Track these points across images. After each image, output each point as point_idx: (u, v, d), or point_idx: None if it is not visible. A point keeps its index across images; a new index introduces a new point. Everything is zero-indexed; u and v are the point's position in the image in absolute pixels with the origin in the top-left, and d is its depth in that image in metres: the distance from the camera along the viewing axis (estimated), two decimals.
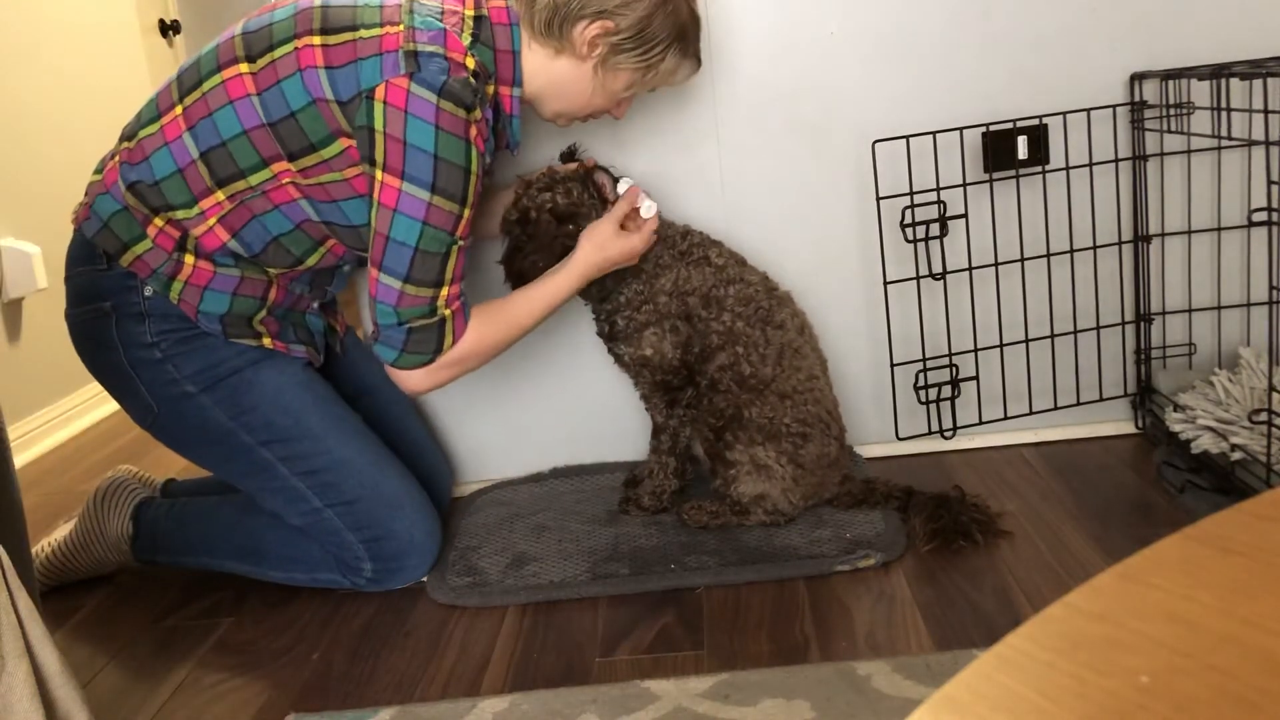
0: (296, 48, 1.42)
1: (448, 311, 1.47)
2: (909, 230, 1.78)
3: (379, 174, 1.41)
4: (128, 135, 1.53)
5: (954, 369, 1.87)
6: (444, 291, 1.46)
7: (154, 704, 1.41)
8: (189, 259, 1.52)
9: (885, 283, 1.84)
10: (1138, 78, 1.77)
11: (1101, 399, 1.90)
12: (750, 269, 1.72)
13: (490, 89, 1.49)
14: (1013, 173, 1.80)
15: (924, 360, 1.85)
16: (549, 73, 1.53)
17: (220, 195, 1.48)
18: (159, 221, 1.51)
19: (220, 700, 1.40)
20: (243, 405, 1.56)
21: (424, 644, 1.48)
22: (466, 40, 1.44)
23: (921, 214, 1.77)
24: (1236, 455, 1.57)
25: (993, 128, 1.77)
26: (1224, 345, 1.87)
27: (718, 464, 1.67)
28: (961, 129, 1.77)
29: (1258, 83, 1.69)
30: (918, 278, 1.83)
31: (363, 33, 1.41)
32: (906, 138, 1.76)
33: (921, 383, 1.86)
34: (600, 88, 1.54)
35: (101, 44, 3.14)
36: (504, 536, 1.74)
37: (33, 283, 2.61)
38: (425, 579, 1.64)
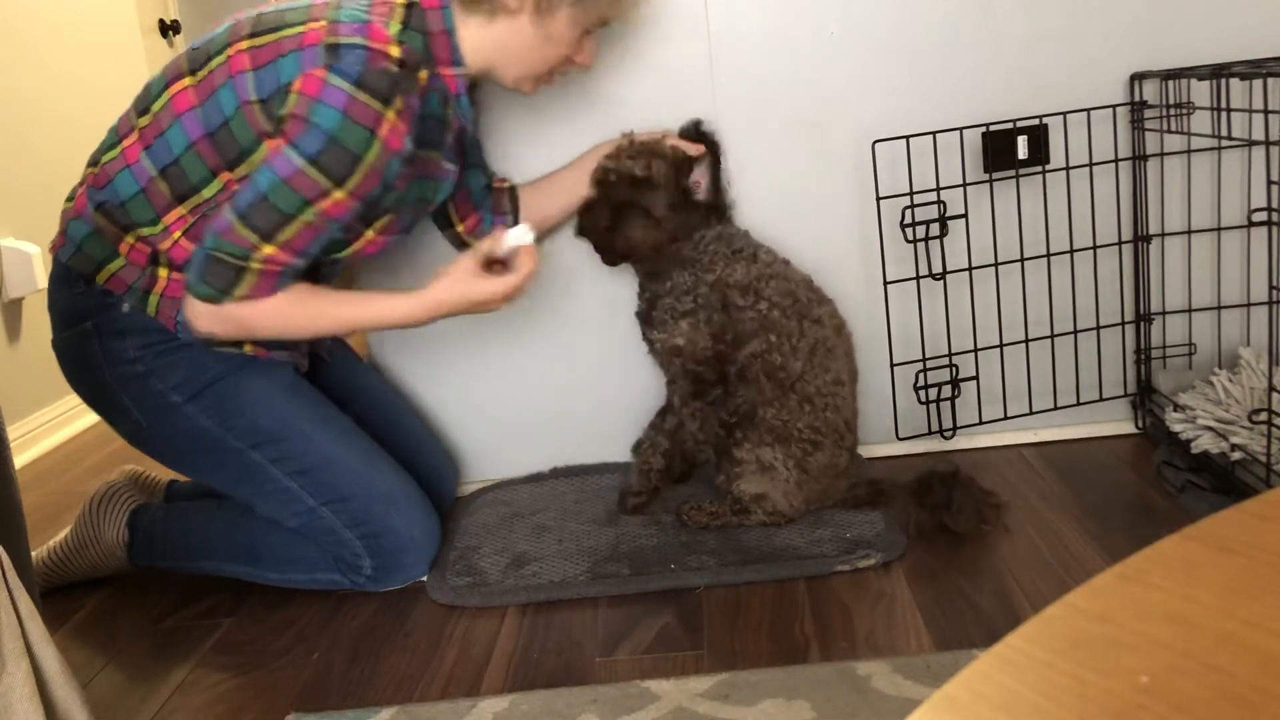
0: (229, 55, 1.44)
1: (257, 266, 1.44)
2: (909, 230, 1.78)
3: (271, 142, 1.41)
4: (93, 162, 1.56)
5: (954, 369, 1.87)
6: (266, 248, 1.42)
7: (154, 704, 1.41)
8: (163, 272, 1.53)
9: (885, 283, 1.84)
10: (1138, 78, 1.77)
11: (1101, 399, 1.90)
12: (795, 269, 1.73)
13: (424, 75, 1.48)
14: (1013, 173, 1.80)
15: (924, 360, 1.85)
16: (490, 40, 1.51)
17: (182, 210, 1.50)
18: (130, 239, 1.53)
19: (220, 700, 1.40)
20: (229, 410, 1.57)
21: (424, 644, 1.48)
22: (395, 29, 1.43)
23: (921, 214, 1.77)
24: (1236, 455, 1.57)
25: (993, 128, 1.77)
26: (1224, 345, 1.87)
27: (724, 460, 1.68)
28: (961, 129, 1.77)
29: (1258, 83, 1.69)
30: (918, 278, 1.83)
31: (286, 31, 1.43)
32: (906, 138, 1.76)
33: (921, 383, 1.86)
34: (545, 38, 1.52)
35: (101, 44, 3.14)
36: (504, 536, 1.74)
37: (33, 283, 2.61)
38: (425, 579, 1.65)
